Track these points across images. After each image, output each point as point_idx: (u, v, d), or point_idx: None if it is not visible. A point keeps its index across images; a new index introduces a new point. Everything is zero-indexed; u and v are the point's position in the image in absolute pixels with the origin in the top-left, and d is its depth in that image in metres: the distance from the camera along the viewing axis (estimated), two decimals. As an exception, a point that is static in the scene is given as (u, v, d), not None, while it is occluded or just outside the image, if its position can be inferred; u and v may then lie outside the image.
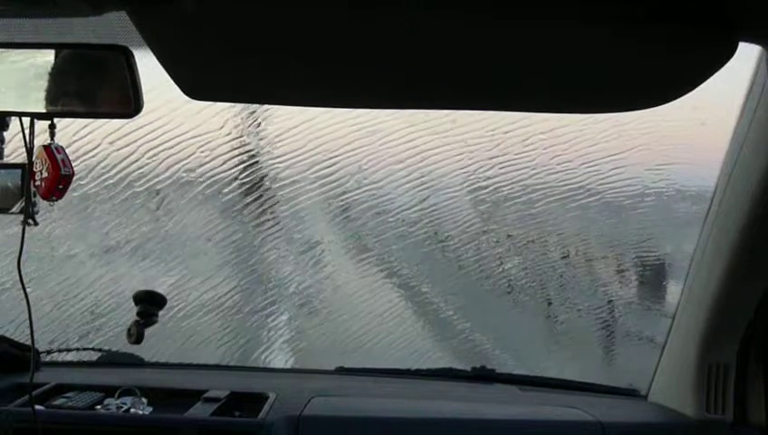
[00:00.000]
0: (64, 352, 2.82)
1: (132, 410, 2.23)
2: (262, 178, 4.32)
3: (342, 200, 4.68)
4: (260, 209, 4.56)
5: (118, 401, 2.26)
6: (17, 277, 1.59)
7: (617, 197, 3.94)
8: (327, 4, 1.05)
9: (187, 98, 1.33)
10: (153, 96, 1.44)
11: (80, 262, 4.24)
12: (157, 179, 3.97)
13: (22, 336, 2.56)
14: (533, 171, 3.96)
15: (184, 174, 3.94)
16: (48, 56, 1.43)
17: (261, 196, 4.43)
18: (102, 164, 3.69)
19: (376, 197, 4.65)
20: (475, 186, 4.11)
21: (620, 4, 1.02)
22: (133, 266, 4.36)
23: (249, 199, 4.39)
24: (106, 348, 2.83)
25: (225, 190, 4.29)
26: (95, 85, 1.48)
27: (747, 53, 1.68)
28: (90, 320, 3.98)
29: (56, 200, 1.52)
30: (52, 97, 1.44)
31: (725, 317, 2.14)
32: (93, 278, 4.27)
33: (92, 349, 2.84)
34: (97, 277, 4.28)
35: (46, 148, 1.49)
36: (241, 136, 3.98)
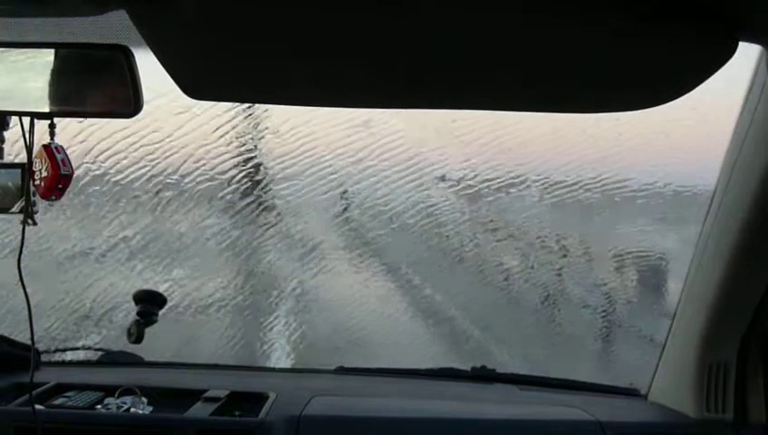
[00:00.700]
0: (64, 352, 2.82)
1: (132, 409, 2.23)
2: (261, 178, 4.32)
3: (342, 199, 4.69)
4: (259, 209, 4.56)
5: (118, 401, 2.26)
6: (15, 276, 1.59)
7: (617, 196, 3.94)
8: (327, 4, 1.05)
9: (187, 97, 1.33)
10: (153, 96, 1.44)
11: (80, 261, 4.25)
12: (157, 179, 3.97)
13: (22, 336, 2.56)
14: (533, 171, 3.97)
15: (183, 173, 3.94)
16: (48, 56, 1.43)
17: (260, 195, 4.44)
18: (103, 164, 3.69)
19: (376, 196, 4.65)
20: (475, 185, 4.11)
21: (620, 4, 1.02)
22: (133, 266, 4.37)
23: (248, 199, 4.39)
24: (106, 347, 2.83)
25: (225, 190, 4.30)
26: (95, 85, 1.47)
27: (747, 52, 1.68)
28: (90, 319, 3.98)
29: (56, 200, 1.52)
30: (51, 96, 1.44)
31: (725, 316, 2.14)
32: (93, 278, 4.27)
33: (92, 348, 2.84)
34: (97, 277, 4.29)
35: (46, 147, 1.49)
36: (240, 135, 3.98)
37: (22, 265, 1.57)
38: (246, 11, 1.05)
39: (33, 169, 1.49)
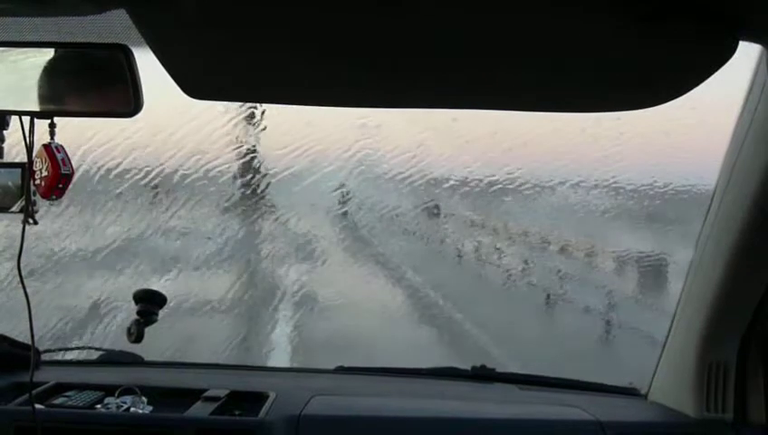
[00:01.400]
0: (64, 351, 2.82)
1: (132, 409, 2.23)
2: (262, 177, 4.33)
3: (342, 199, 4.69)
4: (259, 208, 4.56)
5: (118, 401, 2.26)
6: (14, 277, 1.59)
7: (616, 195, 3.95)
8: (327, 4, 1.05)
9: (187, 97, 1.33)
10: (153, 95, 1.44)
11: (80, 261, 4.25)
12: (157, 179, 3.97)
13: (21, 335, 2.56)
14: (532, 170, 3.97)
15: (183, 173, 3.94)
16: (48, 55, 1.43)
17: (261, 195, 4.44)
18: (103, 165, 3.69)
19: (376, 195, 4.65)
20: (475, 184, 4.11)
21: (620, 4, 1.02)
22: (132, 265, 4.37)
23: (249, 198, 4.40)
24: (106, 347, 2.83)
25: (225, 189, 4.30)
26: (95, 84, 1.47)
27: (747, 52, 1.68)
28: (89, 319, 3.98)
29: (56, 199, 1.52)
30: (51, 96, 1.44)
31: (725, 316, 2.14)
32: (93, 277, 4.27)
33: (92, 348, 2.84)
34: (96, 276, 4.29)
35: (46, 147, 1.49)
36: (240, 134, 3.98)
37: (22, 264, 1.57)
38: (246, 10, 1.05)
39: (34, 168, 1.49)
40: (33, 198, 1.51)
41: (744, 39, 1.15)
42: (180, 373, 2.72)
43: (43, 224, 1.55)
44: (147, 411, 2.24)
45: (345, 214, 4.93)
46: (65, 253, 4.18)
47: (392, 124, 3.84)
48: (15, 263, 1.56)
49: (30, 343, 1.67)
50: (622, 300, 5.13)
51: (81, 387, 2.35)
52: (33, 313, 1.60)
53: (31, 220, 1.52)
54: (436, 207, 4.90)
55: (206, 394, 2.32)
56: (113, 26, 1.31)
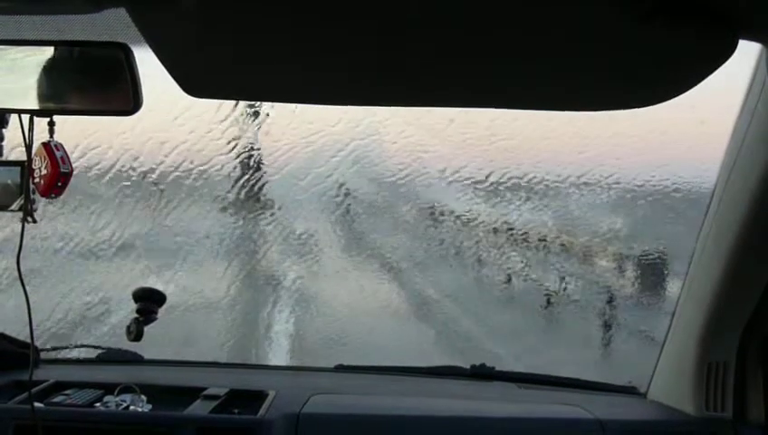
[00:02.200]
0: (64, 350, 2.82)
1: (131, 407, 2.23)
2: (261, 176, 4.32)
3: (342, 198, 4.69)
4: (259, 207, 4.56)
5: (117, 399, 2.26)
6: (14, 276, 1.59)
7: (615, 194, 3.94)
8: (326, 3, 1.05)
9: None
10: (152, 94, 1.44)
11: (79, 260, 4.24)
12: (156, 178, 3.97)
13: (21, 334, 2.56)
14: (532, 169, 3.96)
15: (183, 172, 3.94)
16: (47, 53, 1.43)
17: (260, 193, 4.44)
18: (104, 164, 3.69)
19: (375, 194, 4.65)
20: (475, 183, 4.11)
21: (620, 3, 1.02)
22: (132, 263, 4.37)
23: (248, 197, 4.39)
24: (105, 345, 2.83)
25: (224, 188, 4.30)
26: (94, 82, 1.47)
27: (747, 51, 1.68)
28: (89, 317, 3.98)
29: (55, 198, 1.52)
30: (51, 94, 1.44)
31: (725, 315, 2.14)
32: (92, 276, 4.27)
33: (92, 346, 2.84)
34: (96, 275, 4.29)
35: (45, 145, 1.49)
36: (239, 134, 3.98)
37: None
38: (246, 9, 1.05)
39: (33, 166, 1.49)
40: (32, 196, 1.51)
41: (743, 38, 1.15)
42: (180, 372, 2.72)
43: (41, 222, 1.55)
44: (146, 410, 2.24)
45: (344, 214, 4.93)
46: (63, 250, 4.18)
47: (391, 124, 3.84)
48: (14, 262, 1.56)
49: (29, 341, 1.68)
50: (621, 300, 5.13)
51: (81, 385, 2.34)
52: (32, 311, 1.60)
53: (30, 219, 1.52)
54: (432, 206, 4.90)
55: (206, 393, 2.33)
56: (113, 25, 1.31)
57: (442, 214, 4.98)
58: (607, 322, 5.00)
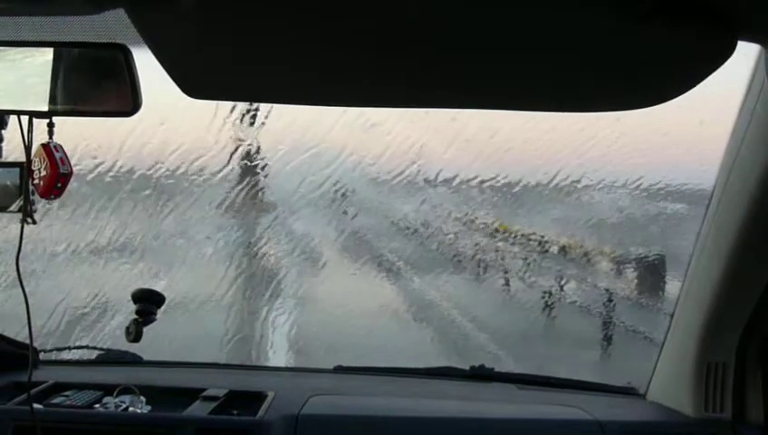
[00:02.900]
0: (63, 351, 2.81)
1: (131, 408, 2.23)
2: (260, 177, 4.32)
3: (341, 198, 4.69)
4: (258, 208, 4.56)
5: (116, 400, 2.26)
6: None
7: (615, 195, 3.95)
8: (326, 3, 1.05)
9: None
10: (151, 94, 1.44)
11: (79, 260, 4.24)
12: (155, 179, 3.97)
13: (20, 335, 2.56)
14: (531, 169, 3.97)
15: (182, 172, 3.94)
16: (46, 55, 1.43)
17: (259, 195, 4.44)
18: (104, 165, 3.69)
19: (374, 194, 4.65)
20: (474, 182, 4.11)
21: (620, 3, 1.02)
22: (131, 265, 4.37)
23: (248, 198, 4.39)
24: (105, 347, 2.83)
25: (224, 189, 4.30)
26: (94, 84, 1.47)
27: (746, 52, 1.68)
28: (88, 318, 3.98)
29: (55, 199, 1.52)
30: (50, 96, 1.44)
31: (724, 316, 2.14)
32: (92, 277, 4.27)
33: (91, 347, 2.84)
34: (96, 276, 4.29)
35: (45, 146, 1.49)
36: (239, 134, 3.98)
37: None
38: (245, 10, 1.05)
39: (32, 168, 1.49)
40: (31, 197, 1.51)
41: (742, 39, 1.15)
42: (179, 373, 2.72)
43: (41, 223, 1.55)
44: (145, 411, 2.24)
45: (342, 213, 4.93)
46: (63, 252, 4.18)
47: (390, 124, 3.84)
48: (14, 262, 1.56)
49: (28, 342, 1.67)
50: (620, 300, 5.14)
51: (80, 386, 2.34)
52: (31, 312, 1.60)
53: (30, 220, 1.52)
54: (432, 206, 4.91)
55: (205, 394, 2.32)
56: (112, 26, 1.31)
57: (442, 211, 4.99)
58: (606, 322, 5.00)
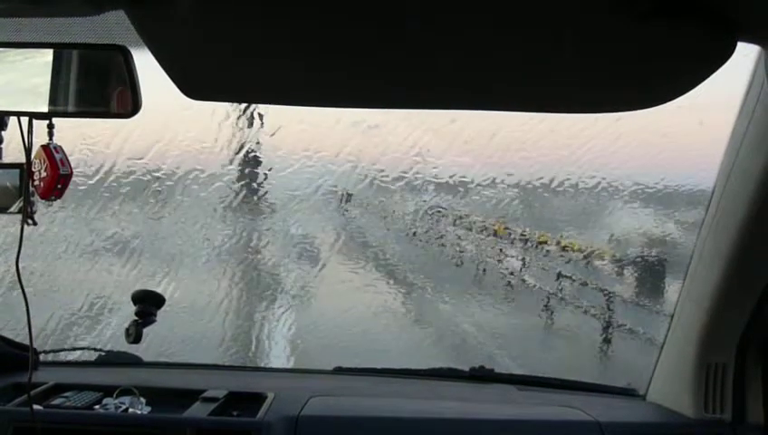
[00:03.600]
0: (63, 352, 2.82)
1: (131, 409, 2.23)
2: (259, 178, 4.33)
3: (340, 199, 4.69)
4: (258, 209, 4.56)
5: (116, 401, 2.26)
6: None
7: (615, 195, 3.95)
8: (325, 6, 1.05)
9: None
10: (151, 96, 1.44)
11: (79, 261, 4.24)
12: (155, 180, 3.97)
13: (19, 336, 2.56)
14: (531, 169, 3.97)
15: (181, 173, 3.94)
16: (46, 56, 1.43)
17: (259, 196, 4.44)
18: (103, 166, 3.69)
19: (373, 194, 4.65)
20: (474, 182, 4.11)
21: (619, 4, 1.02)
22: (131, 266, 4.37)
23: (247, 199, 4.39)
24: (105, 348, 2.83)
25: (224, 190, 4.30)
26: (94, 85, 1.48)
27: (746, 53, 1.68)
28: (88, 319, 3.98)
29: (55, 200, 1.52)
30: (50, 97, 1.44)
31: (724, 317, 2.14)
32: (92, 277, 4.27)
33: (91, 348, 2.84)
34: (95, 276, 4.28)
35: (45, 147, 1.49)
36: (238, 135, 3.98)
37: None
38: (244, 12, 1.05)
39: (32, 169, 1.49)
40: (31, 198, 1.51)
41: (742, 40, 1.15)
42: (179, 374, 2.72)
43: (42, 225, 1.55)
44: (145, 412, 2.24)
45: (342, 213, 4.93)
46: (63, 253, 4.18)
47: (390, 125, 3.84)
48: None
49: (28, 343, 1.68)
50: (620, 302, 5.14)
51: (80, 388, 2.35)
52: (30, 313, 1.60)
53: (30, 221, 1.52)
54: (431, 206, 4.91)
55: (205, 395, 2.32)
56: (112, 27, 1.31)
57: (441, 210, 4.99)
58: (605, 322, 5.00)
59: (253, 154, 4.16)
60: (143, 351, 2.66)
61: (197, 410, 2.23)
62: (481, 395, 2.57)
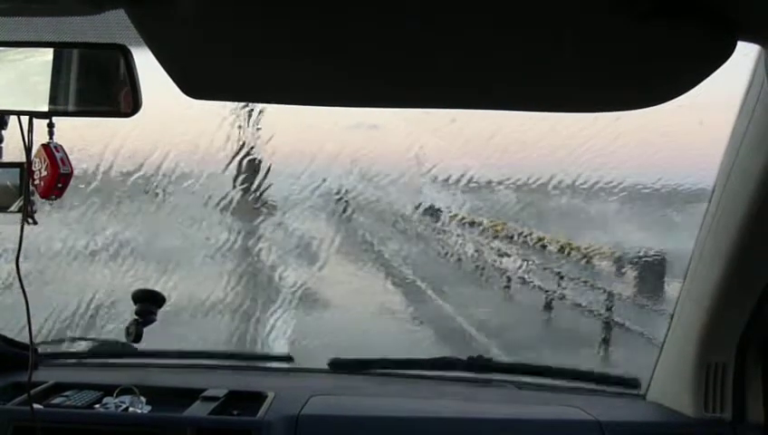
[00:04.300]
0: (63, 351, 2.82)
1: (131, 408, 2.23)
2: (259, 177, 4.33)
3: (339, 197, 4.69)
4: (257, 208, 4.56)
5: (116, 400, 2.26)
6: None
7: (615, 195, 3.95)
8: (325, 4, 1.05)
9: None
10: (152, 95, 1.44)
11: (78, 261, 4.24)
12: (154, 179, 3.97)
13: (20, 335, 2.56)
14: (530, 169, 3.97)
15: (181, 173, 3.94)
16: (46, 55, 1.43)
17: (258, 195, 4.44)
18: (104, 166, 3.69)
19: (373, 193, 4.66)
20: (473, 182, 4.12)
21: (619, 4, 1.02)
22: (131, 265, 4.37)
23: (247, 198, 4.40)
24: (105, 347, 2.83)
25: (223, 189, 4.30)
26: (94, 84, 1.48)
27: (746, 52, 1.68)
28: (88, 318, 3.98)
29: (55, 199, 1.52)
30: (50, 96, 1.44)
31: (724, 316, 2.14)
32: (92, 277, 4.27)
33: (91, 348, 2.84)
34: (95, 276, 4.29)
35: (45, 146, 1.49)
36: (238, 134, 3.98)
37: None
38: (245, 11, 1.05)
39: (33, 168, 1.49)
40: (31, 197, 1.51)
41: (742, 39, 1.15)
42: (179, 373, 2.72)
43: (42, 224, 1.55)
44: (145, 411, 2.24)
45: (342, 214, 4.93)
46: (63, 252, 4.18)
47: (390, 125, 3.84)
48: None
49: (28, 342, 1.68)
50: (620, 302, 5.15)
51: (80, 387, 2.35)
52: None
53: (30, 220, 1.52)
54: (432, 206, 4.91)
55: (205, 394, 2.33)
56: (112, 26, 1.31)
57: (441, 210, 4.99)
58: (605, 322, 5.01)
59: (252, 154, 4.17)
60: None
61: (198, 410, 2.23)
62: (481, 395, 2.57)
